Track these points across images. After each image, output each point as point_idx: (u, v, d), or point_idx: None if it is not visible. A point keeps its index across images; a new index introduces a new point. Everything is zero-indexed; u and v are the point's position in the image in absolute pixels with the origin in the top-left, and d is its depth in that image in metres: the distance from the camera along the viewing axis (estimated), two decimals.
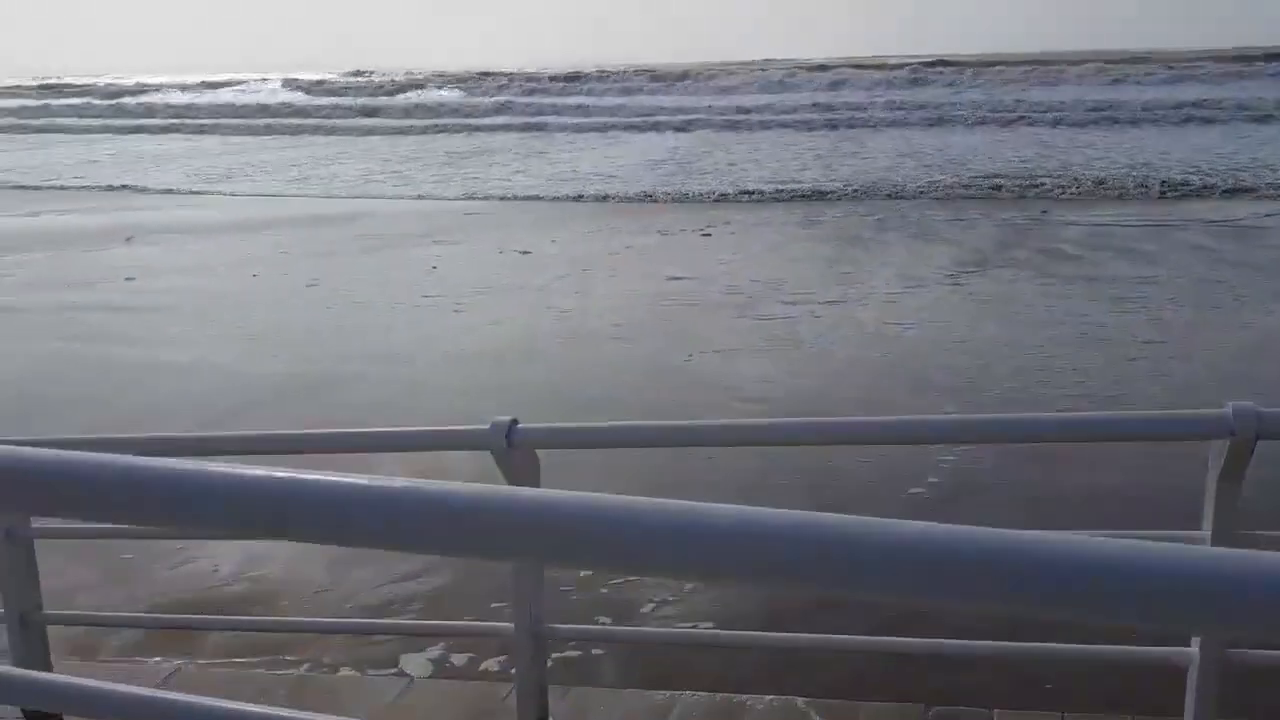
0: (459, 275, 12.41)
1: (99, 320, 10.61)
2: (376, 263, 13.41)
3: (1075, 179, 18.69)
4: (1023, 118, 28.74)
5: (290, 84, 47.78)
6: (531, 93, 41.10)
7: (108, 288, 12.12)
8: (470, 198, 19.71)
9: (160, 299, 11.47)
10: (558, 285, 11.61)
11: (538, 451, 2.93)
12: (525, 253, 13.63)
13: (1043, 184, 18.26)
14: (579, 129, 31.88)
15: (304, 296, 11.51)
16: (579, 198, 18.99)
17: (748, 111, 32.82)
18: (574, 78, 43.45)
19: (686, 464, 5.79)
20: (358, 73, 51.36)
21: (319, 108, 39.39)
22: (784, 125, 30.19)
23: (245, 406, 7.87)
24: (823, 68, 43.46)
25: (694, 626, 4.23)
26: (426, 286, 11.71)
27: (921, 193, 17.94)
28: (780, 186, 19.17)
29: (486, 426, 2.85)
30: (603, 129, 31.48)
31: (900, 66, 41.80)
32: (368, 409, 7.73)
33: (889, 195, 17.84)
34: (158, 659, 3.90)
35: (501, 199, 19.43)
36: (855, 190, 18.40)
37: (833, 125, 29.70)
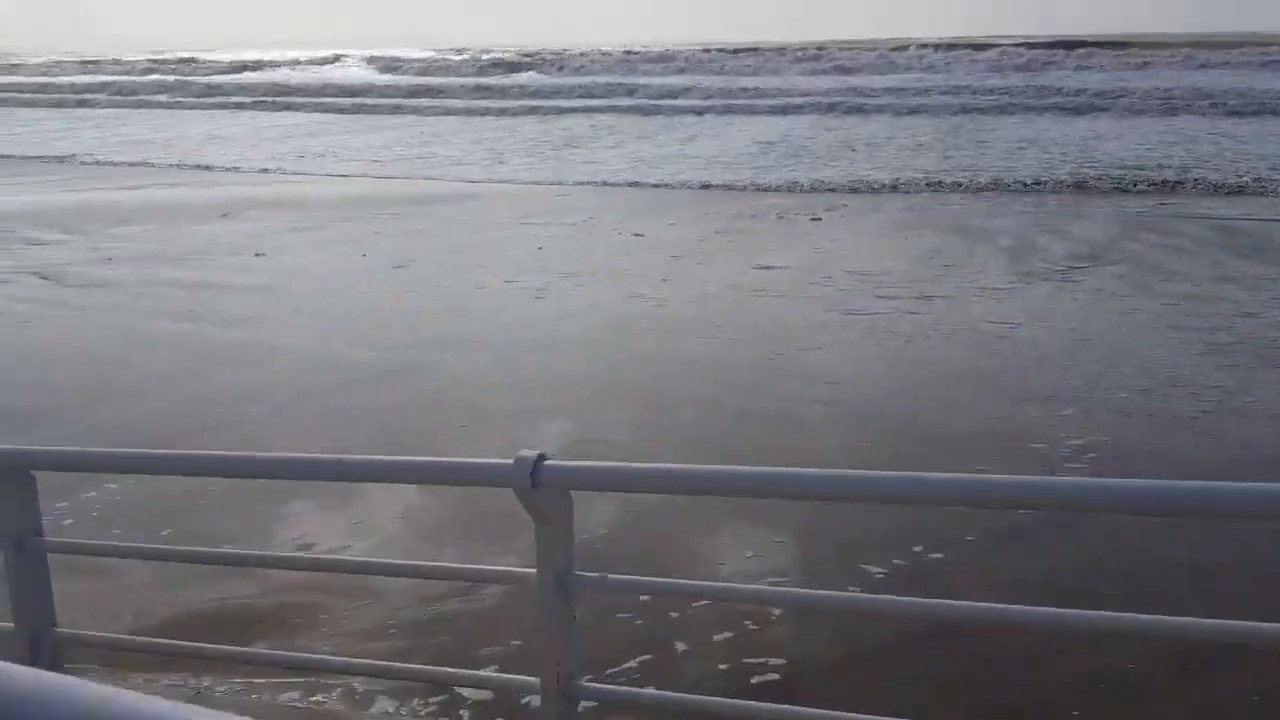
0: (546, 262, 12.14)
1: (193, 297, 10.61)
2: (474, 244, 13.22)
3: (1208, 171, 17.53)
4: (1158, 103, 26.98)
5: (378, 62, 47.87)
6: (633, 72, 40.54)
7: (204, 264, 12.18)
8: (569, 182, 19.40)
9: (254, 278, 11.44)
10: (649, 273, 11.24)
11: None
12: (638, 235, 13.34)
13: (1173, 176, 17.15)
14: (688, 110, 31.10)
15: (395, 278, 11.37)
16: (686, 185, 18.46)
17: (862, 94, 31.64)
18: (671, 57, 42.61)
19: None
20: (459, 50, 51.38)
21: (415, 88, 39.09)
22: (899, 110, 28.87)
23: (324, 390, 7.71)
24: (934, 47, 41.83)
25: (752, 683, 3.85)
26: (517, 272, 11.46)
27: (1041, 183, 17.01)
28: (895, 175, 18.37)
29: (510, 461, 2.52)
30: (716, 111, 30.59)
31: (1025, 46, 39.96)
32: (441, 397, 7.54)
33: (1008, 186, 16.93)
34: (178, 679, 3.67)
35: (603, 184, 19.08)
36: (971, 179, 17.53)
37: (947, 110, 28.44)
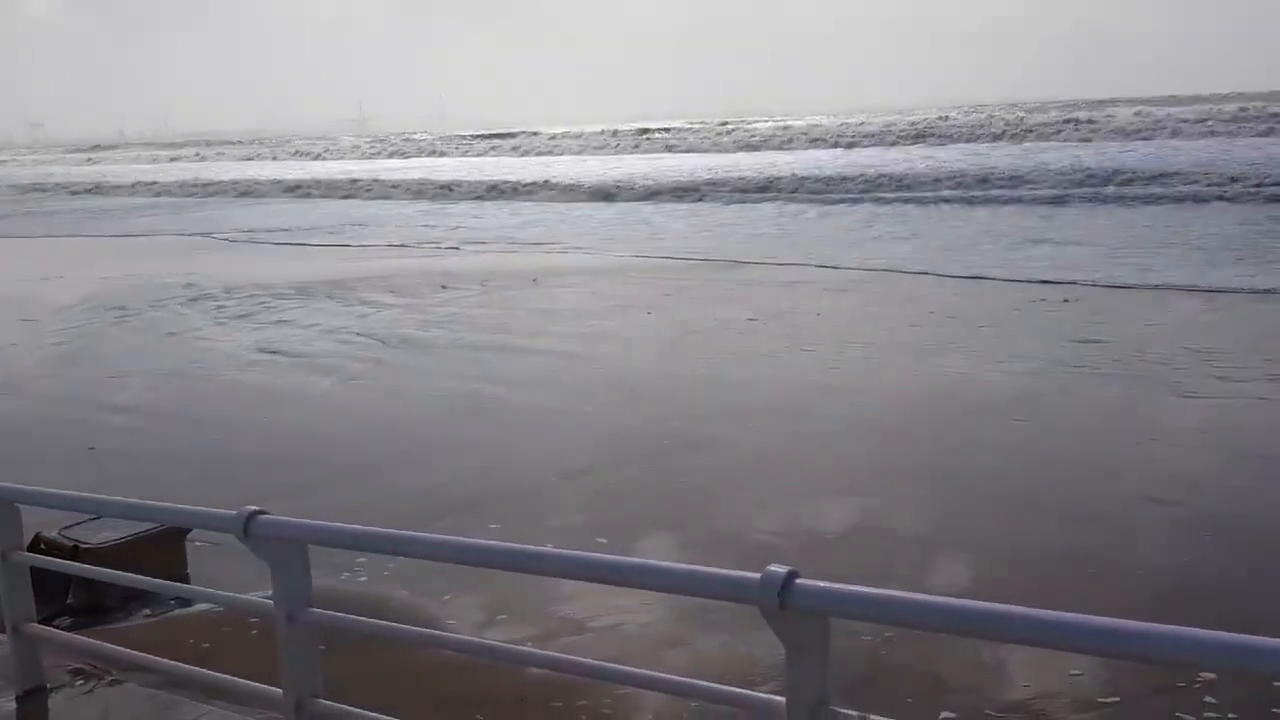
0: (848, 334, 11.71)
1: (487, 359, 11.04)
2: (787, 316, 12.93)
3: None
4: None
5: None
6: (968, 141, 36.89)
7: (508, 328, 12.67)
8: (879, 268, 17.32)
9: (552, 342, 11.74)
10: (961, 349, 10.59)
11: None
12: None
13: None
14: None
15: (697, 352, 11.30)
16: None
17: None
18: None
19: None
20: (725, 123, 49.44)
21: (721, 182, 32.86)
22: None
23: (599, 467, 7.59)
24: None
25: None
26: (816, 342, 11.11)
27: None
28: None
29: (756, 576, 2.22)
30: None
31: None
32: (721, 475, 7.27)
33: None
34: None
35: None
36: None
37: None
